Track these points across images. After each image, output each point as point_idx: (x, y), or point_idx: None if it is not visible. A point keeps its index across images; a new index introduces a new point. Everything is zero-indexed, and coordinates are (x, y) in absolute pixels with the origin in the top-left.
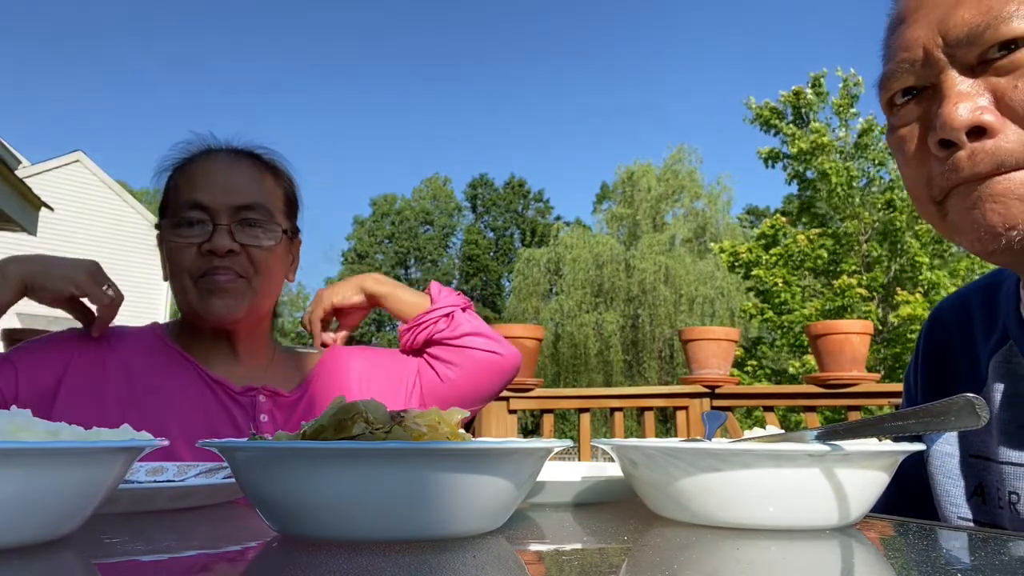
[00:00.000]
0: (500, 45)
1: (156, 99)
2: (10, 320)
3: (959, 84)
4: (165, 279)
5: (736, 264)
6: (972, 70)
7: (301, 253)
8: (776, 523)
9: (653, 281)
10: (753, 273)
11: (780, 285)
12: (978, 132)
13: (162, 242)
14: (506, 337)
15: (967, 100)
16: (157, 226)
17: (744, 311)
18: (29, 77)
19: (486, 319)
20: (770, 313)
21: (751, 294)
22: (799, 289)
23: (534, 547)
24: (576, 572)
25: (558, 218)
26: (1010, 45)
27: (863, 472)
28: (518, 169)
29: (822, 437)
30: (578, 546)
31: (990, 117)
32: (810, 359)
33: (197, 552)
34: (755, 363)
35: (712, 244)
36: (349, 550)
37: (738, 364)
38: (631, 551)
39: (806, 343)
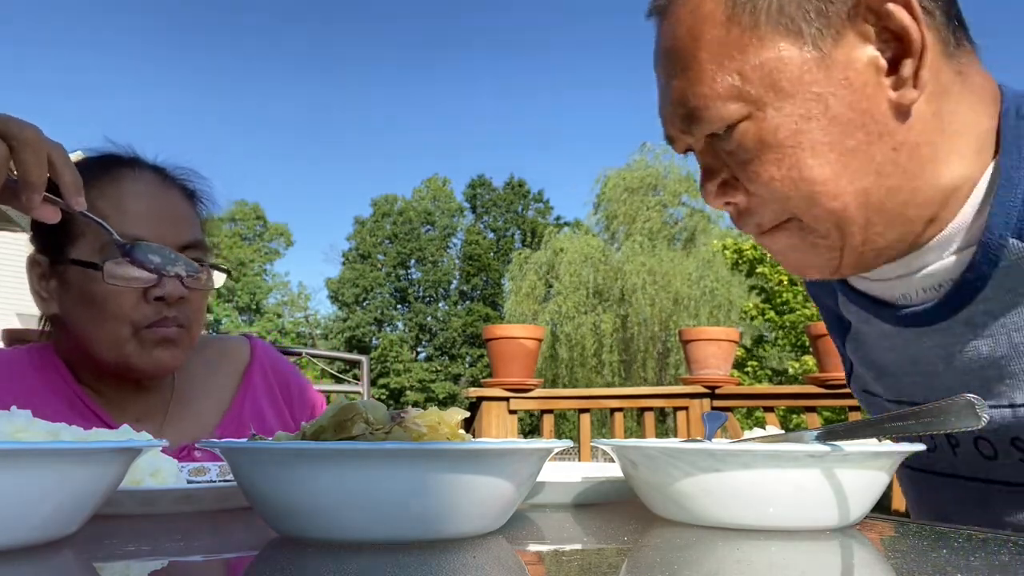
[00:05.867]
0: (499, 44)
1: (156, 98)
2: (10, 320)
3: (702, 161)
4: (48, 313)
5: (740, 261)
6: (711, 143)
7: (302, 252)
8: (776, 523)
9: (640, 282)
10: (758, 271)
11: (784, 284)
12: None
13: (56, 275)
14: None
15: (712, 178)
16: (47, 251)
17: (745, 311)
18: (28, 75)
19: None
20: (771, 313)
21: (752, 293)
22: (803, 287)
23: (534, 547)
24: (576, 572)
25: (558, 219)
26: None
27: (863, 472)
28: (518, 170)
29: (822, 437)
30: (578, 546)
31: (733, 199)
32: (809, 359)
33: (197, 553)
34: (756, 363)
35: (715, 241)
36: (349, 550)
37: (738, 364)
38: (631, 551)
39: (808, 343)
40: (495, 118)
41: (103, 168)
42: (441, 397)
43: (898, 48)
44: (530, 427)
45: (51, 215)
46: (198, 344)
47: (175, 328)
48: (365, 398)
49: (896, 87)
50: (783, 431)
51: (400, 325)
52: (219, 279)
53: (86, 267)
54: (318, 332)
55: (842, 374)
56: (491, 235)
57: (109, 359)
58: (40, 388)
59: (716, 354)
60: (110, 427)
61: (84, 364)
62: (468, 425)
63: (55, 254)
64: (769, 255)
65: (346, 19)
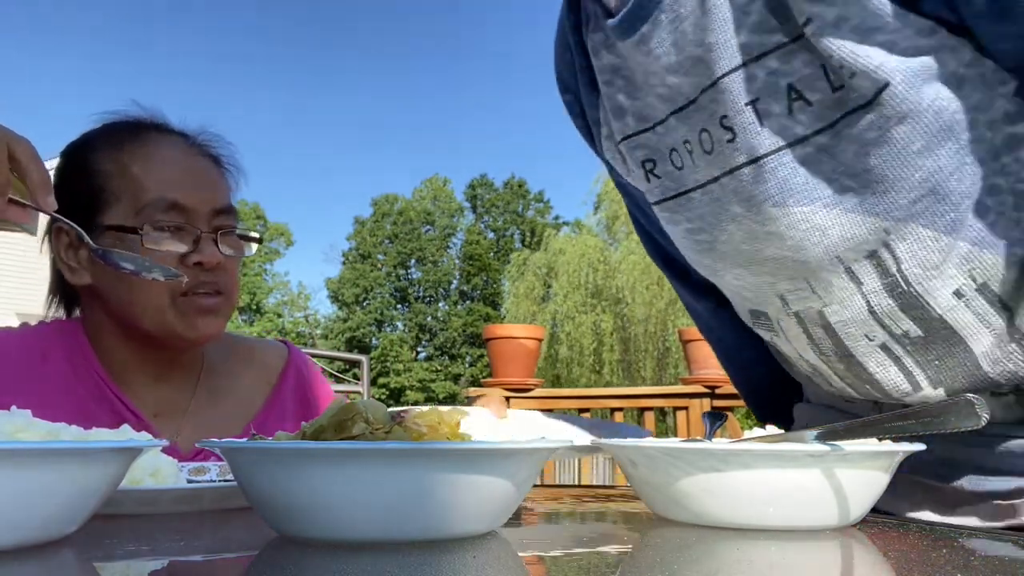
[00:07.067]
0: (500, 43)
1: (159, 97)
2: (10, 320)
3: None
4: (79, 284)
5: None
6: None
7: (302, 252)
8: (776, 523)
9: (633, 281)
10: None
11: None
12: None
13: (80, 244)
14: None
15: None
16: (76, 219)
17: None
18: (29, 75)
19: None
20: None
21: None
22: None
23: (534, 547)
24: (576, 572)
25: (557, 218)
26: None
27: (863, 472)
28: (518, 169)
29: (822, 437)
30: (578, 546)
31: None
32: None
33: (197, 553)
34: None
35: None
36: (349, 550)
37: None
38: (631, 551)
39: None
40: (496, 118)
41: (131, 132)
42: (441, 397)
43: None
44: None
45: (21, 217)
46: (230, 343)
47: (215, 297)
48: (365, 398)
49: None
50: (783, 431)
51: (400, 325)
52: (251, 247)
53: (125, 232)
54: (318, 332)
55: None
56: (491, 235)
57: (151, 328)
58: (67, 371)
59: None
60: (135, 414)
61: (113, 342)
62: None
63: (86, 221)
64: None
65: (347, 17)
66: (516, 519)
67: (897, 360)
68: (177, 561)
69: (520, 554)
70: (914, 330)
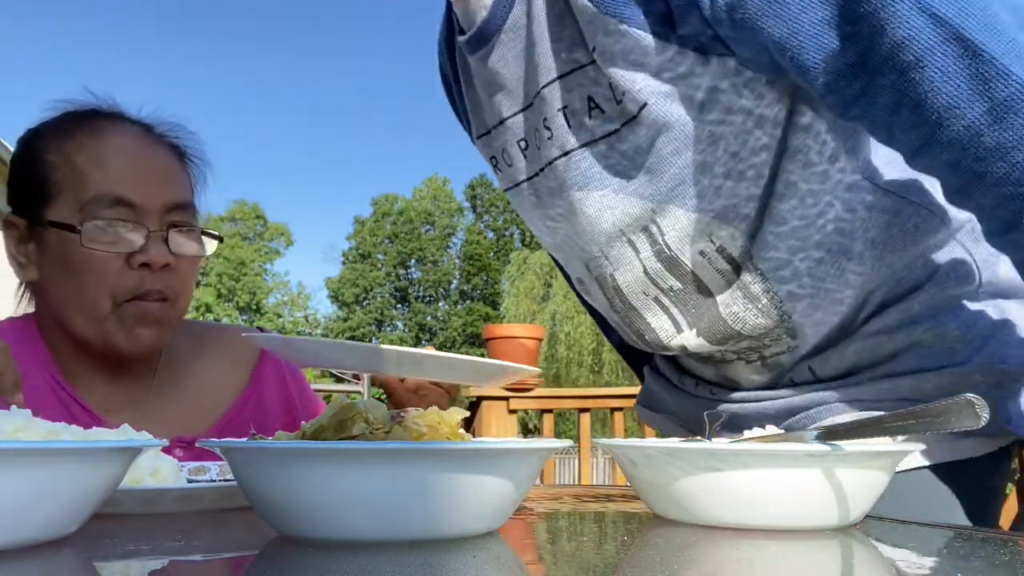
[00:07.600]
0: None
1: (152, 96)
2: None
3: None
4: (28, 280)
5: None
6: None
7: (302, 252)
8: (776, 523)
9: None
10: None
11: None
12: None
13: (35, 238)
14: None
15: None
16: (24, 212)
17: None
18: (31, 74)
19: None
20: None
21: None
22: None
23: (534, 547)
24: (576, 572)
25: None
26: None
27: (863, 472)
28: None
29: (822, 437)
30: (577, 546)
31: None
32: None
33: (197, 553)
34: None
35: None
36: (349, 550)
37: None
38: (631, 551)
39: None
40: None
41: (82, 121)
42: None
43: None
44: (527, 427)
45: None
46: (194, 331)
47: (158, 303)
48: (365, 398)
49: None
50: (783, 431)
51: (400, 325)
52: (210, 246)
53: (63, 229)
54: (318, 332)
55: None
56: (491, 235)
57: (88, 334)
58: (22, 367)
59: None
60: (84, 408)
61: (61, 338)
62: (468, 425)
63: (32, 215)
64: None
65: (347, 17)
66: (516, 519)
67: (666, 309)
68: (177, 561)
69: (520, 554)
70: (677, 285)
